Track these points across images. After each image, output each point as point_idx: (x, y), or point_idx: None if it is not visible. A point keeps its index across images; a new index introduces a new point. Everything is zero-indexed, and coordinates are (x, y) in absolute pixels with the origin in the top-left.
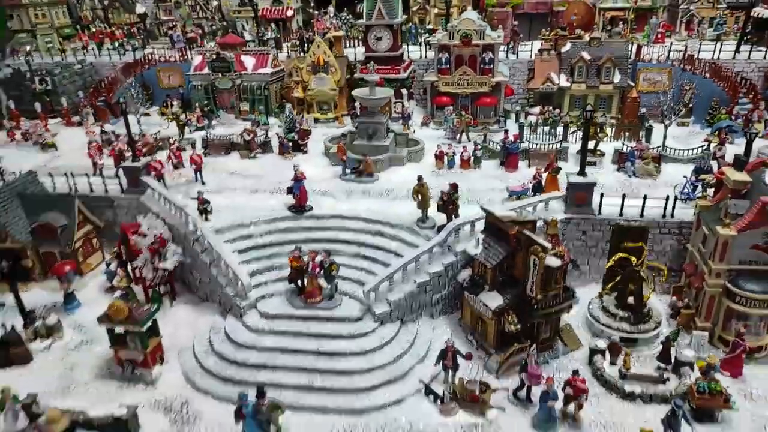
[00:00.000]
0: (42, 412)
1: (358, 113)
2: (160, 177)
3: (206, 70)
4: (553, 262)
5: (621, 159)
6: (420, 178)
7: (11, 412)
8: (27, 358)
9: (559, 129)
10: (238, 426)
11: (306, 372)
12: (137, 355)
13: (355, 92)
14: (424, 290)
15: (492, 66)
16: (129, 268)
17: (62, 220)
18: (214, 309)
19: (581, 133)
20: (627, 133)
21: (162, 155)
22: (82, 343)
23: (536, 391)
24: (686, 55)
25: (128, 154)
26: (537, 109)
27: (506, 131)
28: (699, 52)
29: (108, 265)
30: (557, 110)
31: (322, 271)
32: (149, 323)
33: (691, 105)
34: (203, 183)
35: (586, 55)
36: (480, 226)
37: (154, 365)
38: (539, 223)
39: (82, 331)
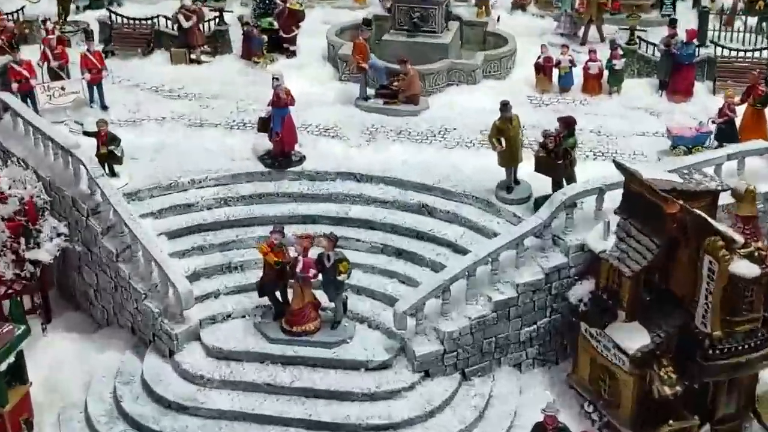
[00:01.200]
0: None
1: None
2: (27, 93)
3: None
4: (746, 269)
5: None
6: (506, 107)
7: None
8: None
9: None
10: None
11: None
12: None
13: None
14: (505, 317)
15: None
16: None
17: None
18: (123, 339)
19: None
20: None
21: (31, 52)
22: None
23: None
24: None
25: None
26: None
27: (673, 23)
28: None
29: None
30: None
31: (320, 274)
32: (10, 359)
33: None
34: (104, 107)
35: None
36: (613, 200)
37: None
38: (723, 198)
39: None
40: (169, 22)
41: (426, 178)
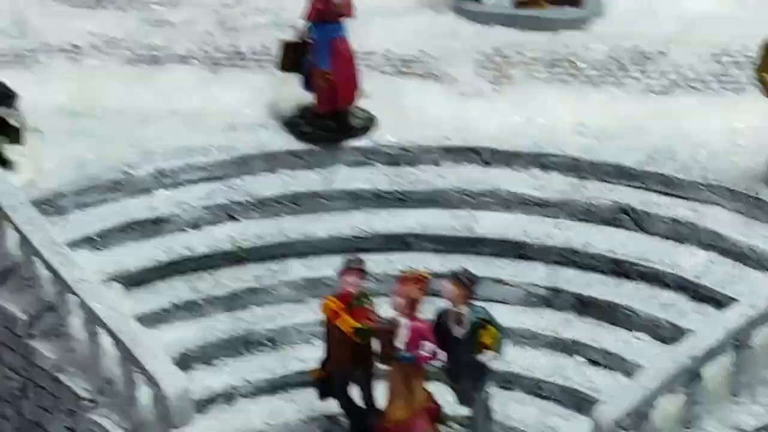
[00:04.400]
0: None
1: None
2: None
3: None
4: None
5: None
6: None
7: None
8: None
9: None
10: None
11: None
12: None
13: None
14: None
15: None
16: None
17: None
18: None
19: None
20: None
21: None
22: None
23: None
24: None
25: None
26: None
27: None
28: None
29: None
30: None
31: (443, 352)
32: None
33: None
34: None
35: None
36: None
37: None
38: None
39: None
40: None
41: (624, 155)
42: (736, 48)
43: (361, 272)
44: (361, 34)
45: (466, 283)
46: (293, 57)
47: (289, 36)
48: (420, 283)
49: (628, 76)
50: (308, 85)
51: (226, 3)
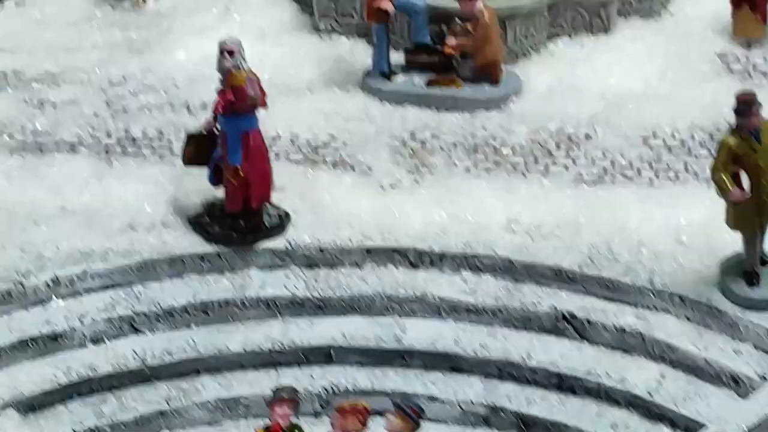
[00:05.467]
0: None
1: None
2: None
3: None
4: None
5: None
6: (747, 107)
7: None
8: None
9: None
10: None
11: None
12: None
13: None
14: None
15: None
16: None
17: None
18: None
19: None
20: None
21: None
22: None
23: None
24: None
25: None
26: None
27: None
28: None
29: None
30: None
31: None
32: None
33: None
34: None
35: None
36: None
37: None
38: None
39: None
40: None
41: (561, 255)
42: (665, 130)
43: (293, 402)
44: (264, 116)
45: (413, 415)
46: (199, 150)
47: (191, 125)
48: (360, 415)
49: (556, 163)
50: (216, 181)
51: (111, 80)
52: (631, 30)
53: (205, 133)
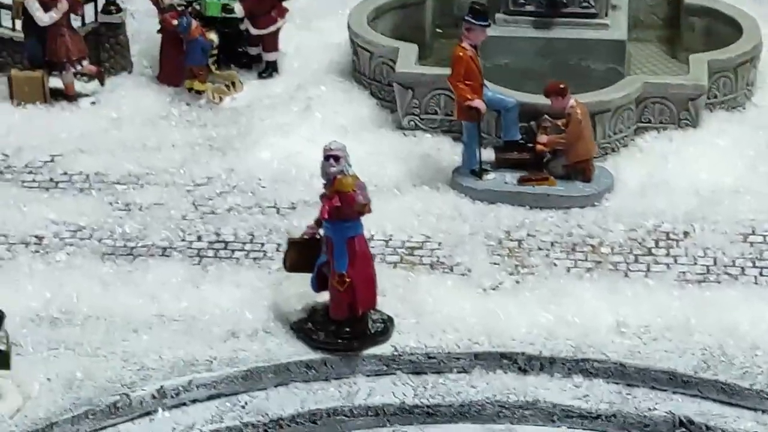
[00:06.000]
0: None
1: None
2: None
3: None
4: None
5: None
6: None
7: None
8: None
9: None
10: None
11: None
12: None
13: None
14: None
15: None
16: None
17: None
18: None
19: None
20: None
21: None
22: None
23: None
24: None
25: None
26: None
27: None
28: None
29: None
30: None
31: None
32: None
33: None
34: None
35: None
36: None
37: None
38: None
39: None
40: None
41: (674, 359)
42: (764, 226)
43: None
44: None
45: None
46: (302, 257)
47: (282, 227)
48: None
49: (657, 262)
50: (319, 287)
51: (195, 180)
52: (717, 123)
53: (307, 238)
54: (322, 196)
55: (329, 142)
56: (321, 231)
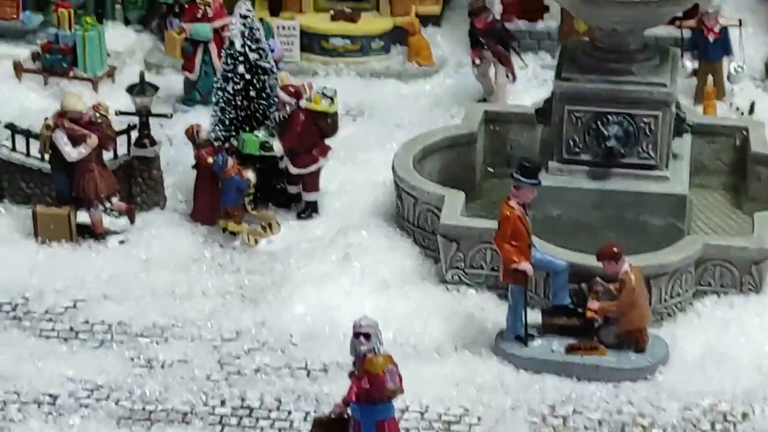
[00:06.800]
0: None
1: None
2: None
3: None
4: None
5: None
6: None
7: None
8: None
9: None
10: None
11: None
12: None
13: None
14: None
15: None
16: None
17: None
18: None
19: None
20: None
21: None
22: None
23: None
24: None
25: None
26: None
27: None
28: None
29: None
30: None
31: None
32: None
33: None
34: None
35: None
36: None
37: None
38: None
39: None
40: (26, 143)
41: None
42: None
43: None
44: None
45: None
46: None
47: (312, 393)
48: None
49: None
50: None
51: (224, 335)
52: None
53: (334, 417)
54: (351, 375)
55: (360, 318)
56: (349, 410)
